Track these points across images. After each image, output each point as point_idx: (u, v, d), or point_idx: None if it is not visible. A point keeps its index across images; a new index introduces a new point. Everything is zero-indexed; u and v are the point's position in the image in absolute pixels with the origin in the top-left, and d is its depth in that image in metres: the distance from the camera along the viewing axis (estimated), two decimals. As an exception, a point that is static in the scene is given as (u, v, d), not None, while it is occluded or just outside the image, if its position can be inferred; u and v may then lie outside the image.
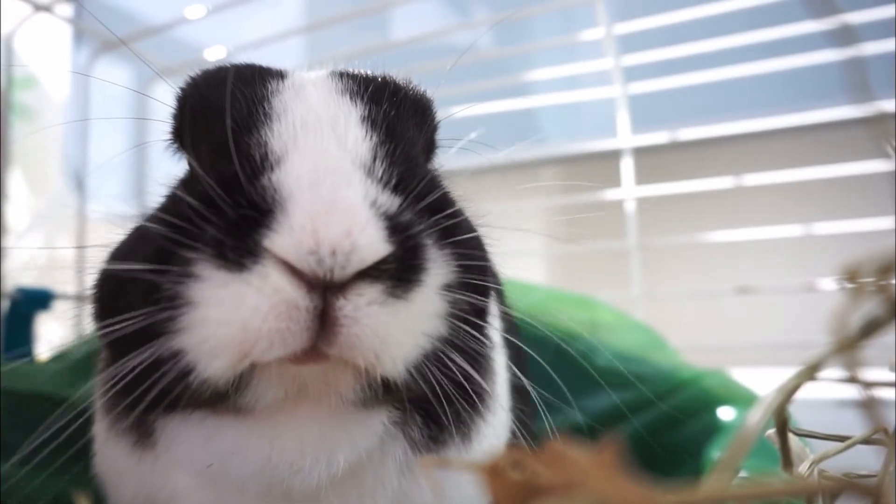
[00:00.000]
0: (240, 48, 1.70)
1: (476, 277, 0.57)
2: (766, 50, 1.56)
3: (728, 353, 1.69)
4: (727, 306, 2.01)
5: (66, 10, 1.59)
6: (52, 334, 1.97)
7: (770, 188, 1.59)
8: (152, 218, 0.57)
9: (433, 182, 0.59)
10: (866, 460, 0.46)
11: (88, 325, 0.65)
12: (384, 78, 0.67)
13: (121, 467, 0.66)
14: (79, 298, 1.49)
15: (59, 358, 1.16)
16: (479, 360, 0.58)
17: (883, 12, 1.34)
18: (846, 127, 1.52)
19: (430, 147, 0.70)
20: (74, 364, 1.09)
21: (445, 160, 0.73)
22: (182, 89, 0.68)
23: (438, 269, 0.53)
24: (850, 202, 1.66)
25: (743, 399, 1.13)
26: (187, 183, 0.60)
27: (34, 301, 1.24)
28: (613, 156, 1.72)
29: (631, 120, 1.69)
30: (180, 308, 0.50)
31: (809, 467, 0.47)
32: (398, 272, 0.50)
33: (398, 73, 0.69)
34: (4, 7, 1.30)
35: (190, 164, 0.63)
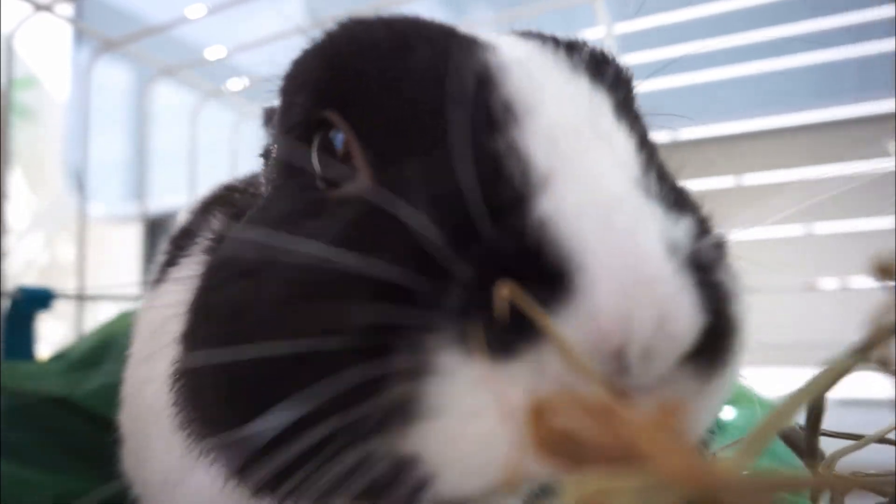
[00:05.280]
0: (240, 48, 1.70)
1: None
2: (767, 49, 1.56)
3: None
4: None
5: (67, 9, 1.59)
6: (53, 334, 1.97)
7: (772, 187, 1.59)
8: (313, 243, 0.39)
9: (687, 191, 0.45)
10: (872, 459, 0.46)
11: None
12: (597, 48, 0.51)
13: (195, 490, 0.58)
14: (79, 298, 1.49)
15: (59, 357, 1.17)
16: None
17: (884, 11, 1.34)
18: (848, 126, 1.52)
19: None
20: (75, 364, 1.09)
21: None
22: (331, 44, 0.50)
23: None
24: (852, 201, 1.66)
25: (744, 398, 1.13)
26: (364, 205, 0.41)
27: (35, 300, 1.24)
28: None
29: (631, 119, 1.69)
30: (409, 406, 0.35)
31: (829, 463, 0.47)
32: (710, 350, 0.37)
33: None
34: (4, 7, 1.30)
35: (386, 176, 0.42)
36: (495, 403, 0.33)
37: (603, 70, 0.48)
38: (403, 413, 0.35)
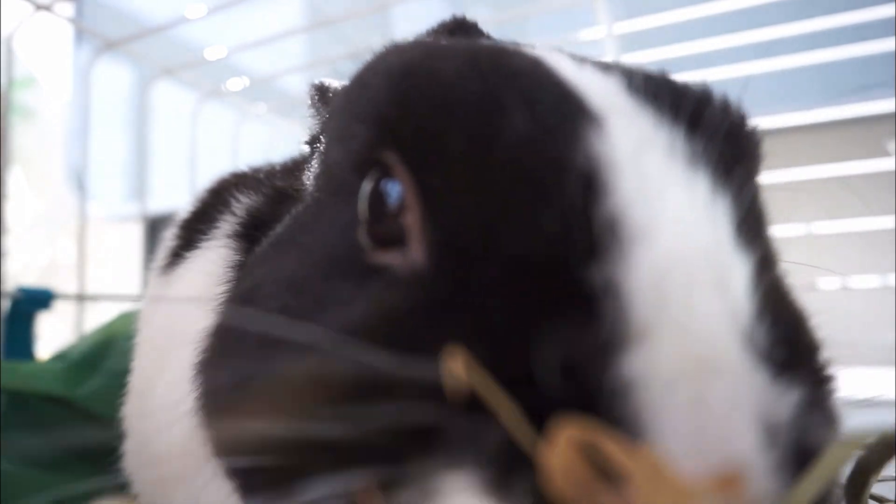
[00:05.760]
0: (240, 48, 1.70)
1: None
2: (767, 49, 1.56)
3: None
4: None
5: (67, 9, 1.59)
6: (53, 334, 1.97)
7: (771, 186, 1.59)
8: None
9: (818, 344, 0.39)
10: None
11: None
12: (727, 104, 0.44)
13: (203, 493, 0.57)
14: (79, 298, 1.49)
15: (59, 357, 1.17)
16: None
17: (884, 11, 1.34)
18: (848, 126, 1.52)
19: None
20: (75, 364, 1.09)
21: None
22: (405, 74, 0.42)
23: None
24: (851, 201, 1.66)
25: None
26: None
27: (35, 300, 1.24)
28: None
29: (631, 119, 1.69)
30: None
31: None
32: None
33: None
34: (4, 7, 1.30)
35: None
36: None
37: (732, 142, 0.41)
38: None
